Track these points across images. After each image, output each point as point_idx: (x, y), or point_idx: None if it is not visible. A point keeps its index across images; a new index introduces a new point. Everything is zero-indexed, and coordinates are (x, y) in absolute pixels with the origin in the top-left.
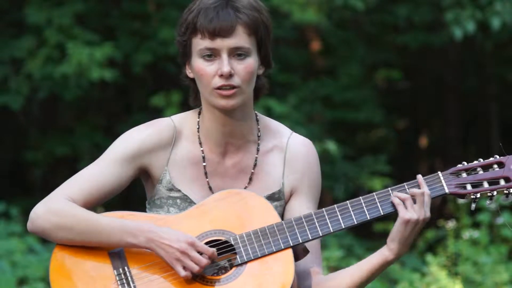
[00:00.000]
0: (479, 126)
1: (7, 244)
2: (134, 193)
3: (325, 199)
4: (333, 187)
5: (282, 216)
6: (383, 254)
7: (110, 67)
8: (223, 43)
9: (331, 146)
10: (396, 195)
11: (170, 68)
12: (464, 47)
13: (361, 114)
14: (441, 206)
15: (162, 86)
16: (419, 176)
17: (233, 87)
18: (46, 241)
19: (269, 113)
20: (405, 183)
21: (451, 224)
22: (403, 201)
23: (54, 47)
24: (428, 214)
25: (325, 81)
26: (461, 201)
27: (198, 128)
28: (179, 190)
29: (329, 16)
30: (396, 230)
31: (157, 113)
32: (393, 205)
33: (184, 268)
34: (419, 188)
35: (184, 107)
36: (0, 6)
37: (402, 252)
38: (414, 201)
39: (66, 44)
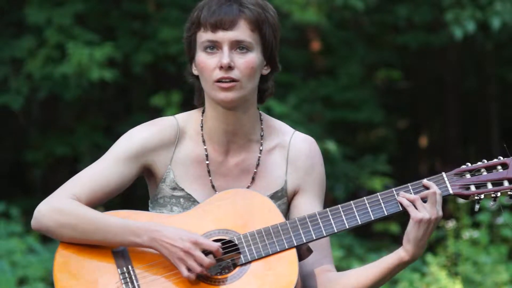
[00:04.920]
0: (479, 126)
1: (7, 244)
2: (135, 193)
3: (325, 199)
4: (333, 187)
5: (285, 214)
6: (399, 254)
7: (110, 67)
8: (224, 36)
9: (331, 146)
10: (404, 196)
11: (170, 68)
12: (464, 47)
13: (361, 114)
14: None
15: (162, 86)
16: (425, 180)
17: (232, 80)
18: (46, 241)
19: (269, 113)
20: (409, 184)
21: (451, 224)
22: (412, 202)
23: (54, 47)
24: (440, 213)
25: (325, 81)
26: (461, 201)
27: (202, 127)
28: (182, 189)
29: (329, 16)
30: (409, 231)
31: (157, 113)
32: (398, 205)
33: (188, 268)
34: (427, 189)
35: (184, 107)
36: (0, 6)
37: (417, 253)
38: (424, 201)
39: (66, 44)
